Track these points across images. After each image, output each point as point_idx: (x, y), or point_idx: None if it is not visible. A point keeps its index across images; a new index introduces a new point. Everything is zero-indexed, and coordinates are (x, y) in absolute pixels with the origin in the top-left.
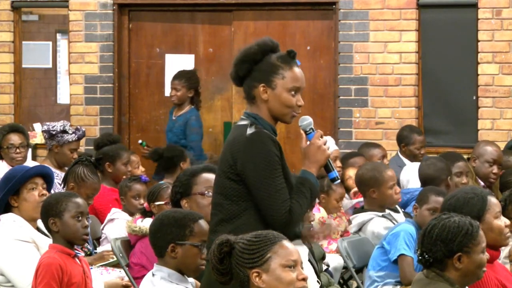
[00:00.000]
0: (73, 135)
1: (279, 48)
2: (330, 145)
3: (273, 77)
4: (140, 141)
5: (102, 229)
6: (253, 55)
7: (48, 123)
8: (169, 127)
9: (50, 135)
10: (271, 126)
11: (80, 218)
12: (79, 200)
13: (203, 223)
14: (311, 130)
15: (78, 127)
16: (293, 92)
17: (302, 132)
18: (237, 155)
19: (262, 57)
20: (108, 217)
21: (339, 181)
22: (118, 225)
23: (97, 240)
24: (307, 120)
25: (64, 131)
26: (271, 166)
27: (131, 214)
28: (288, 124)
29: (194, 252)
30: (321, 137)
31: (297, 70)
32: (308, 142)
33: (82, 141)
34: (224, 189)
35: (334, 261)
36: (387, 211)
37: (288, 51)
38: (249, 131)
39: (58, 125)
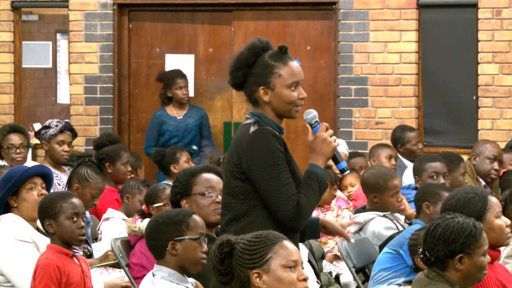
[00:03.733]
0: (55, 127)
1: (270, 46)
2: (340, 147)
3: (270, 77)
4: (194, 147)
5: (98, 228)
6: (245, 60)
7: (41, 126)
8: (175, 127)
9: (38, 134)
10: (276, 124)
11: (75, 219)
12: (74, 200)
13: (197, 217)
14: (316, 123)
15: (65, 120)
16: (293, 88)
17: (307, 125)
18: (241, 154)
19: (255, 59)
20: (104, 216)
21: (348, 171)
22: (113, 224)
23: (97, 240)
24: (311, 114)
25: (47, 127)
26: (275, 162)
27: (129, 214)
28: (294, 118)
29: (193, 246)
30: (327, 129)
31: (292, 64)
32: (314, 135)
33: (82, 141)
34: (232, 189)
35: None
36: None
37: (279, 47)
38: (252, 129)
39: (45, 124)
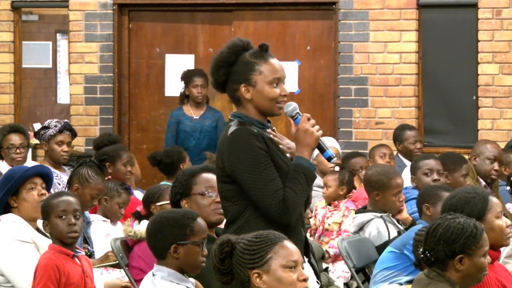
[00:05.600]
0: (54, 128)
1: (251, 45)
2: (331, 143)
3: (251, 74)
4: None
5: None
6: (226, 58)
7: (41, 126)
8: (192, 127)
9: (37, 135)
10: (259, 121)
11: (63, 216)
12: (63, 198)
13: (201, 221)
14: (297, 115)
15: (64, 120)
16: (274, 84)
17: (290, 118)
18: (223, 157)
19: (235, 58)
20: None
21: (335, 158)
22: (94, 228)
23: None
24: (291, 106)
25: (46, 127)
26: (256, 160)
27: (106, 216)
28: (278, 115)
29: (195, 251)
30: (308, 119)
31: (273, 61)
32: (296, 127)
33: (82, 141)
34: (223, 192)
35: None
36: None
37: (259, 45)
38: (230, 130)
39: (44, 124)
